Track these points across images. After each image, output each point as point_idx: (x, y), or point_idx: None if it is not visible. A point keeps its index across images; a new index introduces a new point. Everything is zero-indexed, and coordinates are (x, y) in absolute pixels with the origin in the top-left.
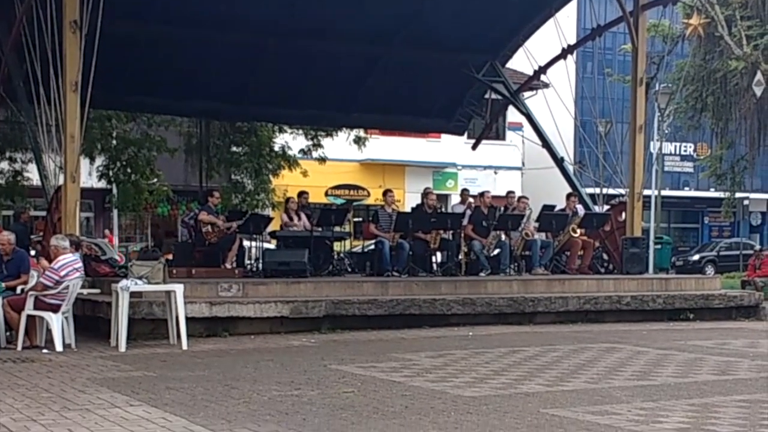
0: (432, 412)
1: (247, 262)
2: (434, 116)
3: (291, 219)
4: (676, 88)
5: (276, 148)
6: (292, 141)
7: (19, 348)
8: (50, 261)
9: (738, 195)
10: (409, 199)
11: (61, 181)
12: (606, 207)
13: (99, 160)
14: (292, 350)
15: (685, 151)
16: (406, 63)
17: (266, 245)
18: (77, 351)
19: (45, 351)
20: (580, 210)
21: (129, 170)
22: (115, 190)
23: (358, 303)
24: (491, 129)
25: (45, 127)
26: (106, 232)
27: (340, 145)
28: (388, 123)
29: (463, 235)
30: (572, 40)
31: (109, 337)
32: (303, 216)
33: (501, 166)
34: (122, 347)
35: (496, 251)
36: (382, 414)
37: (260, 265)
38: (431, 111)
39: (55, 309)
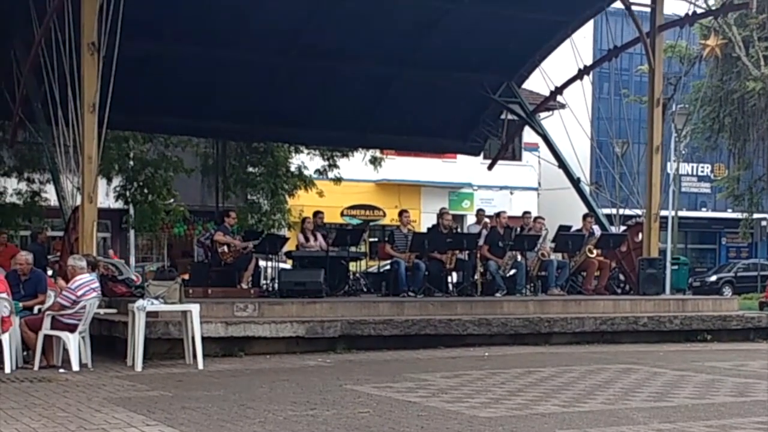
0: None
1: (262, 282)
2: (450, 137)
3: (307, 239)
4: (693, 109)
5: (292, 169)
6: (308, 161)
7: (36, 368)
8: (67, 281)
9: (756, 216)
10: (424, 220)
11: (78, 202)
12: (623, 228)
13: (116, 181)
14: (307, 370)
15: (702, 171)
16: (421, 83)
17: (282, 265)
18: (94, 371)
19: (62, 371)
20: (597, 231)
21: (146, 191)
22: (132, 211)
23: (373, 323)
24: (507, 149)
25: (63, 148)
26: (111, 252)
27: (355, 165)
28: (404, 143)
29: (478, 255)
30: (589, 61)
31: (126, 356)
32: (319, 236)
33: (517, 187)
34: (138, 367)
35: (512, 271)
36: None
37: (276, 285)
38: (447, 131)
39: (71, 329)
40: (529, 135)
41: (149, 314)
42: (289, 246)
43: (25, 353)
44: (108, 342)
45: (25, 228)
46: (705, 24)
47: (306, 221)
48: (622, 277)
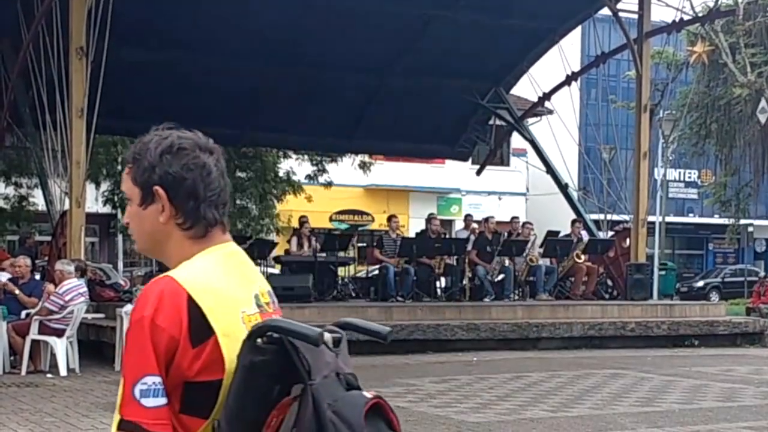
0: None
1: None
2: (438, 142)
3: (301, 245)
4: (680, 115)
5: (281, 174)
6: (297, 167)
7: (23, 372)
8: (55, 286)
9: (742, 221)
10: (413, 225)
11: (66, 206)
12: (610, 233)
13: (104, 186)
14: None
15: (690, 177)
16: (409, 89)
17: (270, 270)
18: (81, 375)
19: (49, 375)
20: (585, 236)
21: None
22: (120, 215)
23: None
24: (495, 155)
25: (51, 153)
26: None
27: (344, 170)
28: (393, 149)
29: (467, 260)
30: (576, 67)
31: (114, 361)
32: (313, 240)
33: (505, 192)
34: None
35: (501, 276)
36: None
37: None
38: (435, 137)
39: (59, 334)
40: (517, 140)
41: None
42: (278, 251)
43: (12, 358)
44: (96, 347)
45: (12, 233)
46: (692, 31)
47: (303, 225)
48: (609, 282)
